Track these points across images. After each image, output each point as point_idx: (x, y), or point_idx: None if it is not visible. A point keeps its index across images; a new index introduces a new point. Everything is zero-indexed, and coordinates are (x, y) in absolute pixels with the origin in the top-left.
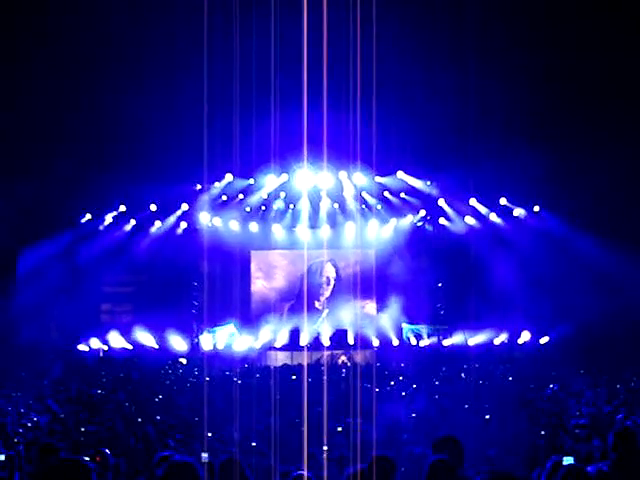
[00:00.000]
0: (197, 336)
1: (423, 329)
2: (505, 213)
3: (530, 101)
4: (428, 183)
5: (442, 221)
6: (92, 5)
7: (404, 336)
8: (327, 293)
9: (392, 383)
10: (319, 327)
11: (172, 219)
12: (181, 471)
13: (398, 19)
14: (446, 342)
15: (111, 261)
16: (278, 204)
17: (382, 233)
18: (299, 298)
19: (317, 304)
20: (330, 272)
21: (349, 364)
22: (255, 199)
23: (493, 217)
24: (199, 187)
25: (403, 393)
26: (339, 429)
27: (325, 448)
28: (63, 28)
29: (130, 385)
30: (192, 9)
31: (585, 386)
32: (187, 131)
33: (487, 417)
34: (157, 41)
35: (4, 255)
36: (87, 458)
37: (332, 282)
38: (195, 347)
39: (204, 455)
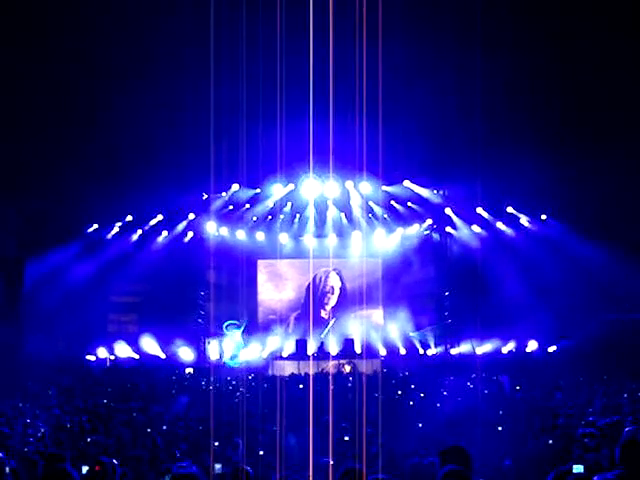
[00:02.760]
0: (205, 345)
1: (429, 334)
2: (512, 222)
3: (537, 110)
4: (435, 192)
5: (449, 230)
6: (95, 22)
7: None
8: (332, 302)
9: (399, 393)
10: (326, 336)
11: (179, 228)
12: None
13: (405, 30)
14: (454, 351)
15: (118, 271)
16: (285, 212)
17: (389, 242)
18: (305, 307)
19: (323, 313)
20: (335, 281)
21: (348, 372)
22: (262, 208)
23: (500, 226)
24: (206, 197)
25: (411, 402)
26: (346, 438)
27: (331, 462)
28: (67, 40)
29: (136, 394)
30: (199, 20)
31: (593, 395)
32: (194, 141)
33: (500, 428)
34: (163, 52)
35: (12, 265)
36: (86, 468)
37: (337, 291)
38: (202, 357)
39: (217, 466)
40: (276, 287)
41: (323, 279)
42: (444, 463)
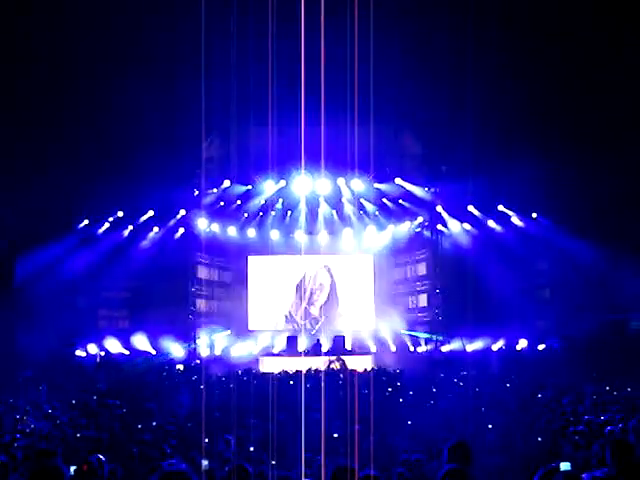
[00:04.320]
0: (195, 341)
1: (420, 336)
2: (503, 220)
3: (529, 108)
4: (426, 189)
5: (440, 227)
6: (88, 21)
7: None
8: (322, 299)
9: (389, 389)
10: (316, 333)
11: (170, 224)
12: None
13: (396, 28)
14: (444, 348)
15: (109, 266)
16: (276, 209)
17: (380, 239)
18: (296, 303)
19: (313, 310)
20: (324, 278)
21: (337, 368)
22: (253, 205)
23: (491, 223)
24: (197, 193)
25: (401, 399)
26: (335, 435)
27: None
28: (62, 38)
29: (127, 390)
30: (191, 17)
31: (583, 393)
32: (186, 137)
33: (490, 426)
34: (156, 50)
35: (2, 261)
36: (74, 468)
37: (327, 288)
38: (192, 353)
39: (204, 462)
40: (267, 283)
41: (313, 276)
42: (450, 458)
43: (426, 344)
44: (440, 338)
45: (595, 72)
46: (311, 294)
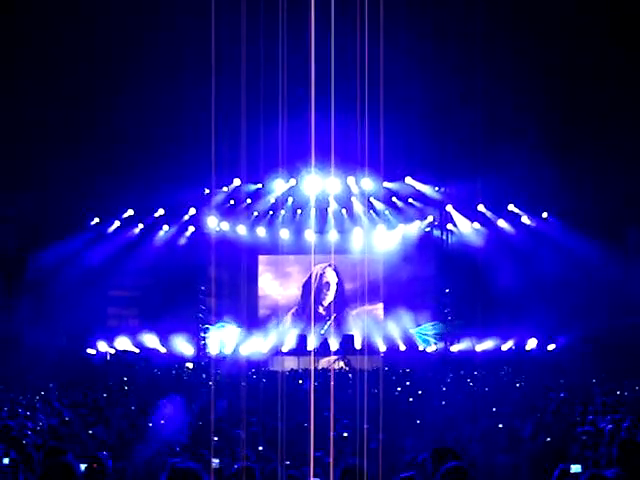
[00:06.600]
0: (205, 339)
1: (429, 330)
2: (513, 219)
3: (539, 108)
4: (436, 189)
5: (450, 227)
6: (96, 18)
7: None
8: (329, 298)
9: (399, 389)
10: (326, 332)
11: (180, 223)
12: (184, 477)
13: (406, 26)
14: (454, 348)
15: (119, 265)
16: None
17: (389, 238)
18: (303, 303)
19: (320, 309)
20: (331, 277)
21: (347, 369)
22: (263, 204)
23: (501, 223)
24: (207, 191)
25: (411, 399)
26: (344, 434)
27: (331, 460)
28: (68, 36)
29: (136, 388)
30: (200, 15)
31: (592, 393)
32: (195, 135)
33: (500, 426)
34: (165, 47)
35: (13, 259)
36: (84, 465)
37: (333, 287)
38: (202, 351)
39: (215, 461)
40: (277, 283)
41: (319, 275)
42: (440, 462)
43: (435, 343)
44: (447, 327)
45: (609, 72)
46: (318, 293)
